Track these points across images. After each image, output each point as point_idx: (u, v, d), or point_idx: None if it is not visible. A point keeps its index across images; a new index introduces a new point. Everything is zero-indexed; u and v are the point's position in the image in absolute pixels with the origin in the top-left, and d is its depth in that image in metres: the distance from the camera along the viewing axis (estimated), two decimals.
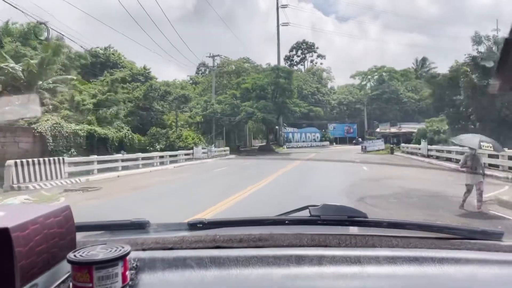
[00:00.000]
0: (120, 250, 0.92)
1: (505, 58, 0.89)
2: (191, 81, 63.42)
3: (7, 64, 19.86)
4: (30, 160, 14.30)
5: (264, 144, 49.19)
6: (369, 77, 66.12)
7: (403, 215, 6.52)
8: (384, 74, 64.87)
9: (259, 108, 39.67)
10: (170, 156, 26.17)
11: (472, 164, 7.94)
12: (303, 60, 75.77)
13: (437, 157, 24.35)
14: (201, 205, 8.18)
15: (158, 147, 32.59)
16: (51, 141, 19.08)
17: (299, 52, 75.41)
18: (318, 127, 59.68)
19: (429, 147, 26.08)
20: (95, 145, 20.63)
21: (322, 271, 1.03)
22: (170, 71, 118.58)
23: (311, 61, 75.43)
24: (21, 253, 0.80)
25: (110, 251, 0.92)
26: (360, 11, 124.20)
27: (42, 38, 21.43)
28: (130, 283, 0.94)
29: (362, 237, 1.21)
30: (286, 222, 1.43)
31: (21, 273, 0.79)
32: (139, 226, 1.41)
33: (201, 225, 1.41)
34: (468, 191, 7.99)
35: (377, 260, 1.07)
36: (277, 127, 50.31)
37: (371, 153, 35.49)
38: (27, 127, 18.60)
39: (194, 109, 37.66)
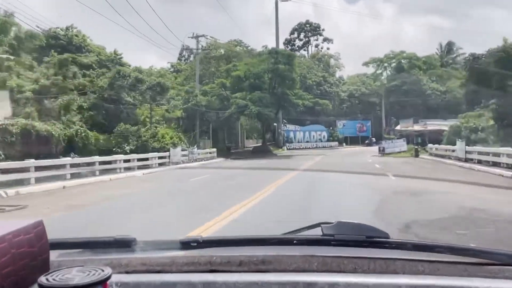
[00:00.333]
0: (100, 273, 0.93)
1: None
2: (172, 69, 62.43)
3: None
4: None
5: (259, 145, 48.27)
6: (386, 64, 65.86)
7: None
8: (403, 61, 64.47)
9: (254, 101, 38.39)
10: (139, 160, 23.98)
11: None
12: (306, 44, 75.64)
13: (479, 161, 22.22)
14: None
15: (127, 148, 31.10)
16: None
17: (302, 35, 75.31)
18: (324, 125, 59.91)
19: (468, 148, 23.94)
20: (35, 145, 18.17)
21: None
22: (148, 58, 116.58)
23: (316, 46, 75.70)
24: None
25: (88, 274, 0.92)
26: None
27: None
28: None
29: (382, 261, 1.21)
30: (294, 242, 1.47)
31: None
32: (124, 244, 1.43)
33: (195, 244, 1.44)
34: None
35: None
36: (275, 124, 49.62)
37: (390, 155, 34.64)
38: None
39: (172, 101, 35.22)
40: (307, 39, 74.96)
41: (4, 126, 17.50)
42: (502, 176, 17.22)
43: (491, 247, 1.30)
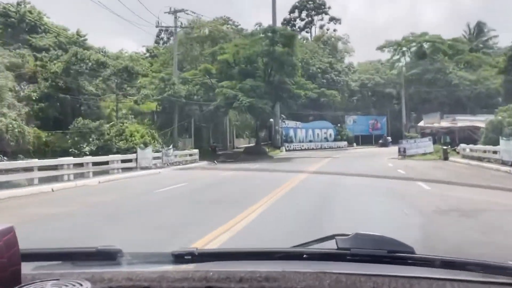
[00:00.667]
0: None
1: None
2: (148, 54, 61.80)
3: None
4: None
5: (252, 145, 47.70)
6: (404, 49, 65.64)
7: None
8: (425, 45, 63.80)
9: (245, 91, 37.12)
10: (96, 164, 21.99)
11: None
12: (309, 25, 74.92)
13: None
14: None
15: (86, 149, 30.18)
16: None
17: (304, 14, 74.60)
18: (331, 121, 59.86)
19: None
20: None
21: None
22: (123, 43, 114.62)
23: (321, 27, 74.96)
24: None
25: None
26: None
27: None
28: None
29: (406, 279, 1.23)
30: (304, 256, 1.51)
31: None
32: (108, 256, 1.47)
33: (189, 257, 1.49)
34: None
35: None
36: (271, 120, 48.18)
37: (413, 158, 33.75)
38: None
39: (144, 90, 33.37)
40: (310, 18, 74.48)
41: None
42: None
43: None
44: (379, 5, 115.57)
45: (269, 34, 39.53)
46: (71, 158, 22.09)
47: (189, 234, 7.97)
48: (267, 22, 76.44)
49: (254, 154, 40.80)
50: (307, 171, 22.73)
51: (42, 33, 43.99)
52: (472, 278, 1.25)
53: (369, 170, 23.45)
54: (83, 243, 7.54)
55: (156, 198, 14.38)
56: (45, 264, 1.43)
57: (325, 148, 55.51)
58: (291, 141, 54.56)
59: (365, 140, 61.78)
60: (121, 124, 32.63)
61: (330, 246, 1.46)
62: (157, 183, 19.27)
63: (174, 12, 40.20)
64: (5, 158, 18.58)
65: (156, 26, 39.09)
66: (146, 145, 30.11)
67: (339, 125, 60.55)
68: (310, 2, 73.51)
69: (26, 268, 1.09)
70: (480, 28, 67.90)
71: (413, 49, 64.97)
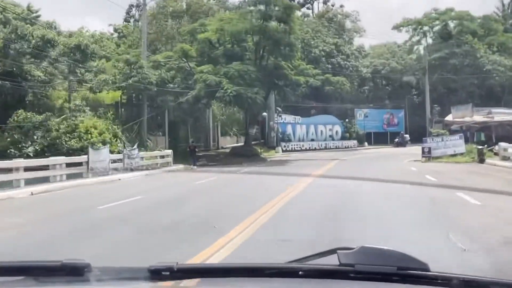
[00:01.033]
0: None
1: None
2: (116, 35, 61.57)
3: None
4: None
5: (241, 144, 46.96)
6: (426, 28, 65.39)
7: None
8: (450, 23, 64.12)
9: (231, 77, 35.72)
10: (31, 169, 20.30)
11: None
12: None
13: None
14: None
15: (30, 149, 29.48)
16: None
17: None
18: (338, 115, 59.92)
19: None
20: None
21: None
22: (89, 22, 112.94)
23: (325, 2, 73.83)
24: None
25: None
26: None
27: None
28: None
29: None
30: (301, 273, 1.52)
31: None
32: (74, 271, 1.51)
33: (168, 273, 1.52)
34: None
35: None
36: (264, 113, 47.69)
37: (441, 160, 33.50)
38: None
39: (102, 76, 31.70)
40: None
41: None
42: None
43: None
44: None
45: (261, 6, 38.32)
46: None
47: None
48: None
49: (243, 155, 40.16)
50: (309, 177, 21.59)
51: None
52: None
53: (387, 176, 22.08)
54: None
55: (93, 219, 12.22)
56: (1, 280, 1.45)
57: (330, 148, 55.32)
58: (289, 140, 53.77)
59: (378, 138, 61.87)
60: (74, 118, 31.11)
61: (331, 261, 1.48)
62: (107, 195, 17.42)
63: None
64: None
65: (133, 7, 37.67)
66: (105, 144, 28.61)
67: (347, 120, 60.19)
68: None
69: None
70: None
71: (436, 28, 64.95)
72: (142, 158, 29.99)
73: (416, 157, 35.51)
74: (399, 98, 63.82)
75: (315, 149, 53.86)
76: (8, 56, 31.13)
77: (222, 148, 48.85)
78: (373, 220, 10.68)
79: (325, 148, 55.29)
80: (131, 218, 11.86)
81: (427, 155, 34.56)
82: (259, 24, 37.44)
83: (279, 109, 50.87)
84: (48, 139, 29.43)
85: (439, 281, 1.42)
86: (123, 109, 39.11)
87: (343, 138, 58.34)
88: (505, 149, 31.32)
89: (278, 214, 11.58)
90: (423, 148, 35.45)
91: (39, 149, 28.96)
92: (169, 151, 34.06)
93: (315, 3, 73.94)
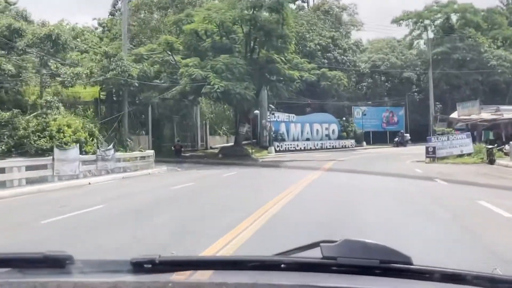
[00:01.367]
0: None
1: None
2: (101, 29, 61.07)
3: None
4: None
5: (230, 144, 45.81)
6: (427, 22, 65.45)
7: None
8: (453, 17, 64.50)
9: (218, 71, 34.54)
10: None
11: None
12: None
13: None
14: None
15: None
16: None
17: None
18: (335, 113, 59.98)
19: None
20: None
21: None
22: (77, 18, 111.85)
23: None
24: None
25: None
26: None
27: None
28: None
29: None
30: (283, 266, 1.57)
31: None
32: (56, 263, 1.56)
33: (150, 266, 1.57)
34: None
35: None
36: (256, 111, 46.10)
37: (446, 161, 33.02)
38: None
39: (77, 69, 30.08)
40: None
41: None
42: None
43: None
44: None
45: None
46: None
47: None
48: None
49: (232, 156, 39.10)
50: (303, 181, 20.00)
51: None
52: None
53: (391, 180, 20.71)
54: None
55: (24, 238, 10.06)
56: None
57: (326, 148, 54.66)
58: (283, 140, 52.98)
59: (377, 137, 61.80)
60: (44, 116, 28.93)
61: (315, 254, 1.51)
62: (65, 203, 15.38)
63: None
64: None
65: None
66: (80, 143, 27.03)
67: (344, 118, 59.75)
68: None
69: None
70: None
71: (437, 22, 65.48)
72: (119, 159, 28.44)
73: (419, 158, 35.09)
74: (399, 95, 63.75)
75: (310, 149, 53.10)
76: None
77: (211, 148, 47.73)
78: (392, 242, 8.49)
79: (321, 148, 54.57)
80: (67, 240, 9.74)
81: (432, 155, 34.01)
82: (251, 14, 36.25)
83: (272, 107, 50.01)
84: (15, 138, 27.29)
85: (421, 274, 1.45)
86: (103, 107, 37.56)
87: (340, 137, 57.88)
88: None
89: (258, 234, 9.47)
90: (427, 148, 34.86)
91: (5, 149, 26.74)
92: (151, 152, 32.48)
93: None
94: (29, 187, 19.88)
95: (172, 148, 39.01)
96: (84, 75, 30.34)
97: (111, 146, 27.70)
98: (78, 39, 45.52)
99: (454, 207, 12.65)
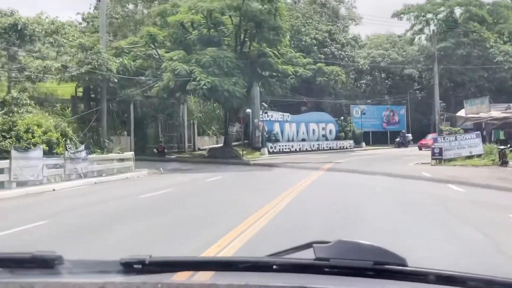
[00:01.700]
0: None
1: None
2: (85, 24, 59.35)
3: None
4: None
5: (220, 145, 44.64)
6: (429, 16, 65.22)
7: None
8: (457, 10, 64.30)
9: (204, 65, 33.13)
10: None
11: None
12: None
13: None
14: None
15: None
16: None
17: None
18: (332, 112, 60.01)
19: None
20: None
21: None
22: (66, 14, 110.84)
23: None
24: None
25: None
26: None
27: None
28: None
29: None
30: (275, 267, 1.58)
31: None
32: (44, 263, 1.58)
33: (140, 267, 1.59)
34: None
35: None
36: (248, 110, 45.09)
37: (455, 163, 32.20)
38: None
39: (40, 63, 29.22)
40: None
41: None
42: None
43: None
44: None
45: None
46: None
47: None
48: None
49: (222, 158, 37.96)
50: (296, 186, 18.65)
51: None
52: None
53: (399, 186, 18.96)
54: None
55: None
56: None
57: (323, 150, 53.50)
58: (277, 140, 51.64)
59: (377, 138, 61.52)
60: (10, 115, 27.27)
61: (307, 256, 1.52)
62: (7, 218, 13.61)
63: None
64: None
65: None
66: (51, 144, 25.48)
67: (342, 118, 59.18)
68: None
69: None
70: None
71: (440, 15, 65.03)
72: (93, 162, 26.50)
73: (423, 159, 34.58)
74: (400, 93, 63.13)
75: (306, 151, 51.92)
76: None
77: (199, 149, 46.52)
78: None
79: (318, 149, 53.45)
80: None
81: (438, 157, 33.01)
82: (241, 2, 34.60)
83: (265, 105, 48.93)
84: None
85: (416, 276, 1.46)
86: (82, 105, 36.18)
87: (337, 138, 56.99)
88: None
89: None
90: (433, 149, 33.85)
91: None
92: (130, 154, 30.78)
93: None
94: None
95: (155, 150, 38.09)
96: (54, 69, 28.41)
97: (82, 147, 25.82)
98: (57, 34, 44.44)
99: (481, 222, 10.49)
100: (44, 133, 26.89)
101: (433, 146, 34.32)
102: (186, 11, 35.62)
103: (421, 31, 66.34)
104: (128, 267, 1.56)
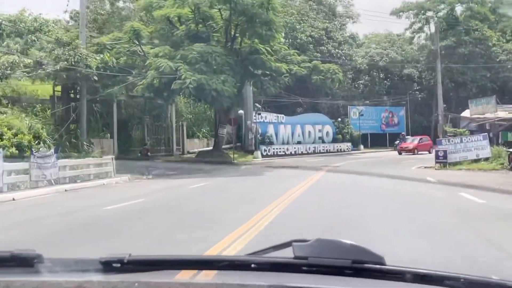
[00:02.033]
0: None
1: None
2: (73, 22, 59.36)
3: None
4: None
5: (209, 148, 43.57)
6: (429, 13, 64.90)
7: None
8: (458, 8, 64.35)
9: (191, 62, 31.91)
10: None
11: None
12: None
13: None
14: None
15: None
16: None
17: None
18: (329, 114, 59.67)
19: None
20: None
21: None
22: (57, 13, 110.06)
23: None
24: None
25: None
26: None
27: None
28: None
29: None
30: (253, 266, 1.59)
31: None
32: (24, 261, 1.58)
33: (119, 265, 1.59)
34: None
35: None
36: (241, 111, 44.14)
37: (460, 167, 31.19)
38: None
39: (7, 57, 28.08)
40: None
41: None
42: None
43: None
44: None
45: None
46: None
47: None
48: None
49: (211, 162, 36.79)
50: (290, 192, 17.40)
51: None
52: None
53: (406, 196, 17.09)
54: None
55: None
56: None
57: (320, 153, 52.45)
58: (271, 143, 50.51)
59: (376, 140, 61.11)
60: None
61: (286, 254, 1.53)
62: None
63: None
64: None
65: None
66: (22, 148, 23.83)
67: (339, 119, 58.75)
68: None
69: None
70: None
71: (441, 13, 64.53)
72: (65, 167, 24.67)
73: (425, 163, 34.12)
74: (400, 94, 62.62)
75: (301, 154, 50.79)
76: None
77: (189, 152, 45.18)
78: None
79: (314, 152, 52.37)
80: None
81: (442, 160, 31.82)
82: None
83: (258, 106, 47.87)
84: None
85: (394, 275, 1.47)
86: (60, 105, 34.37)
87: (334, 140, 56.06)
88: None
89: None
90: (437, 152, 32.71)
91: None
92: (109, 158, 28.91)
93: None
94: None
95: (139, 153, 37.06)
96: (23, 65, 26.61)
97: (51, 151, 23.75)
98: (40, 32, 43.11)
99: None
100: (15, 135, 25.27)
101: (437, 149, 33.36)
102: (172, 5, 34.43)
103: (420, 29, 65.96)
104: (107, 265, 1.56)
